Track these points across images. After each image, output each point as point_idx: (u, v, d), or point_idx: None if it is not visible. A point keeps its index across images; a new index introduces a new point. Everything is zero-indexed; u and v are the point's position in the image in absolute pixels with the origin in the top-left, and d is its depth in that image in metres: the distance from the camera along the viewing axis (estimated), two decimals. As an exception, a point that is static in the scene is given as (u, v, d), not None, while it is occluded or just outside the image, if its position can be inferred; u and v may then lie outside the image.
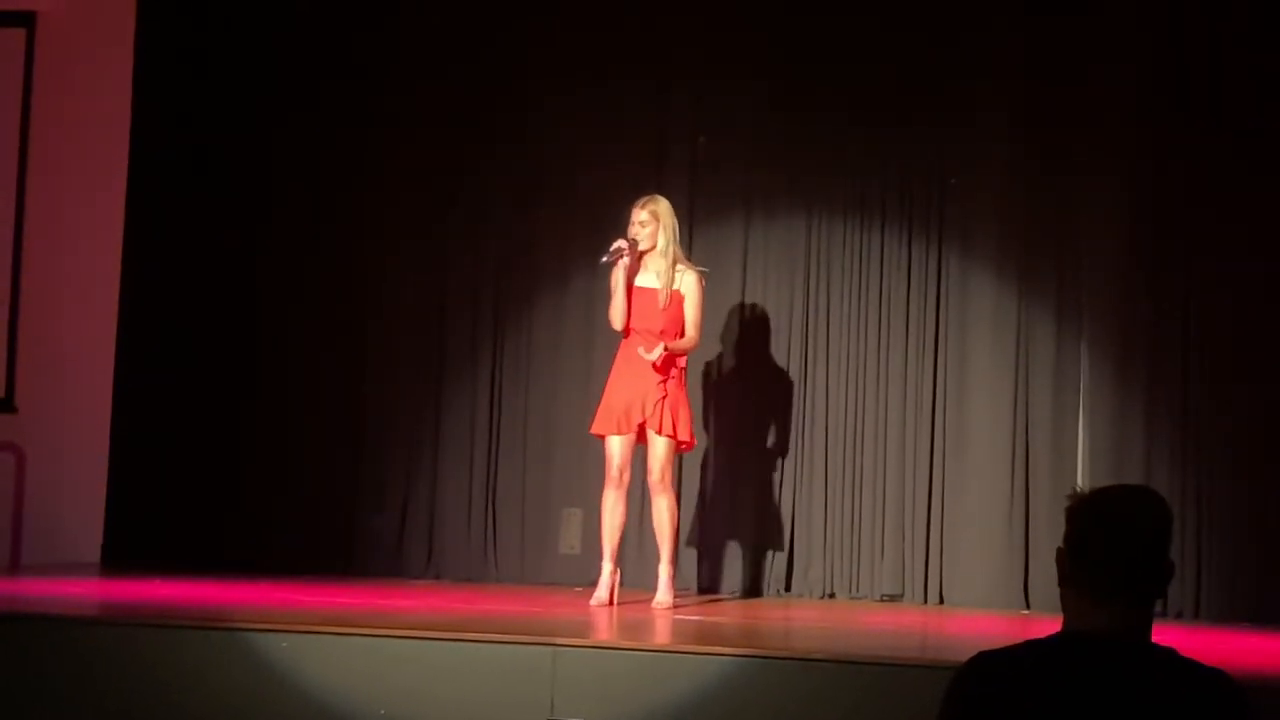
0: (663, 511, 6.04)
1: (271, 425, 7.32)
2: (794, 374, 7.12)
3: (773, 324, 7.14)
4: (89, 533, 7.21)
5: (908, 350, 7.01)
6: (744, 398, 7.13)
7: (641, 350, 5.92)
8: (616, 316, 6.06)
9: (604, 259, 5.99)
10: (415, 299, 7.37)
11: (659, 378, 5.97)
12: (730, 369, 7.14)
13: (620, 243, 6.01)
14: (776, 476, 7.06)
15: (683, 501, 6.87)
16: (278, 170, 7.44)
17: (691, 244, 7.16)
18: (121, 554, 7.18)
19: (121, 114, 7.35)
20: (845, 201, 7.10)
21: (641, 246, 6.04)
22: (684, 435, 5.99)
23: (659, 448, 6.02)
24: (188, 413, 7.34)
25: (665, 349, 5.90)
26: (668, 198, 6.83)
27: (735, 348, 7.19)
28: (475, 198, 7.35)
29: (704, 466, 7.10)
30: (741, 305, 7.18)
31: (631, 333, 6.02)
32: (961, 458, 6.90)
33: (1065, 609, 2.43)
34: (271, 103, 7.47)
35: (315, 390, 7.34)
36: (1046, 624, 2.46)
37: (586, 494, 6.76)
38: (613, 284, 6.07)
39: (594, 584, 6.16)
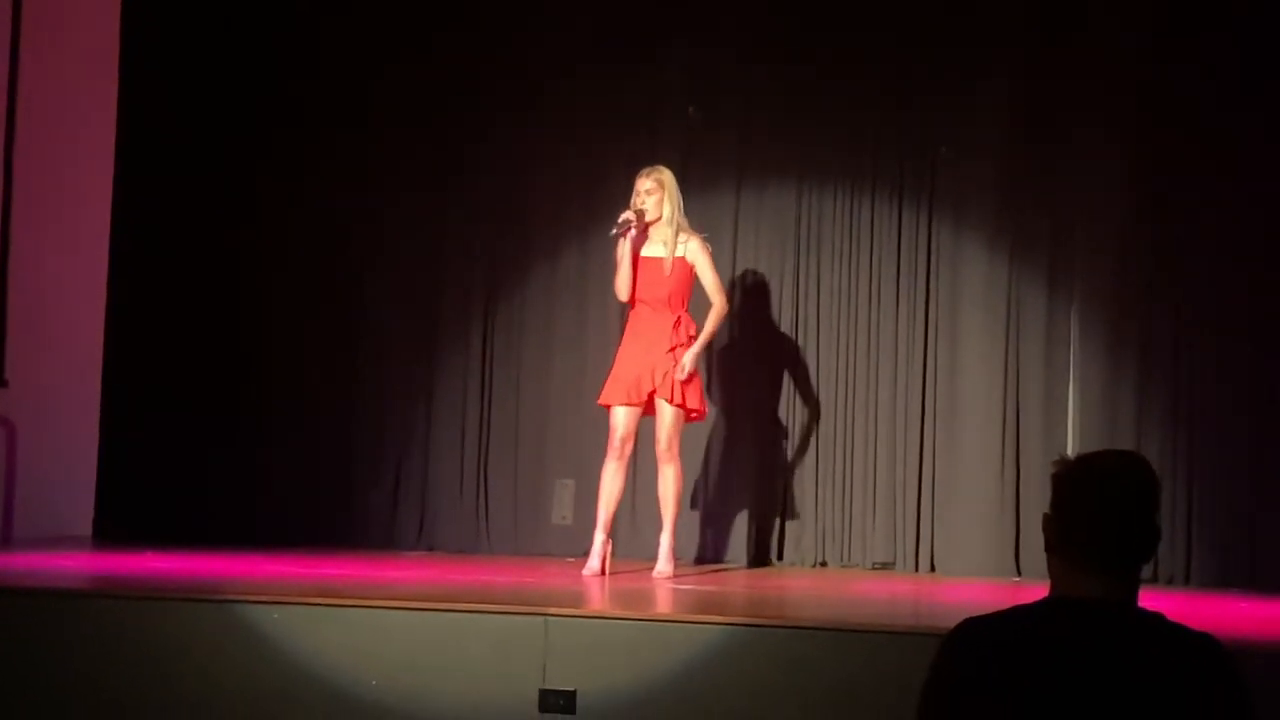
0: (669, 480, 6.04)
1: (263, 398, 7.34)
2: (786, 344, 7.14)
3: (766, 298, 7.16)
4: (80, 506, 7.24)
5: (899, 319, 7.03)
6: (738, 368, 7.15)
7: (679, 376, 5.95)
8: (622, 288, 6.08)
9: (612, 232, 5.99)
10: (407, 272, 7.37)
11: (668, 346, 5.98)
12: (724, 339, 7.12)
13: (628, 215, 6.00)
14: (769, 446, 7.10)
15: (689, 472, 6.88)
16: (268, 145, 7.43)
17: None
18: (113, 527, 7.19)
19: (109, 88, 7.35)
20: (837, 171, 7.10)
21: (649, 217, 6.04)
22: (694, 404, 6.01)
23: (668, 416, 6.02)
24: (179, 387, 7.35)
25: (685, 367, 5.97)
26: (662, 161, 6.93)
27: (727, 324, 7.15)
28: (466, 172, 7.35)
29: (699, 437, 7.10)
30: (734, 275, 7.18)
31: (638, 303, 6.05)
32: (953, 426, 6.92)
33: (1052, 575, 2.43)
34: (260, 76, 7.46)
35: (306, 364, 7.36)
36: (1037, 591, 2.44)
37: (579, 465, 6.82)
38: (618, 256, 6.08)
39: (586, 554, 6.18)
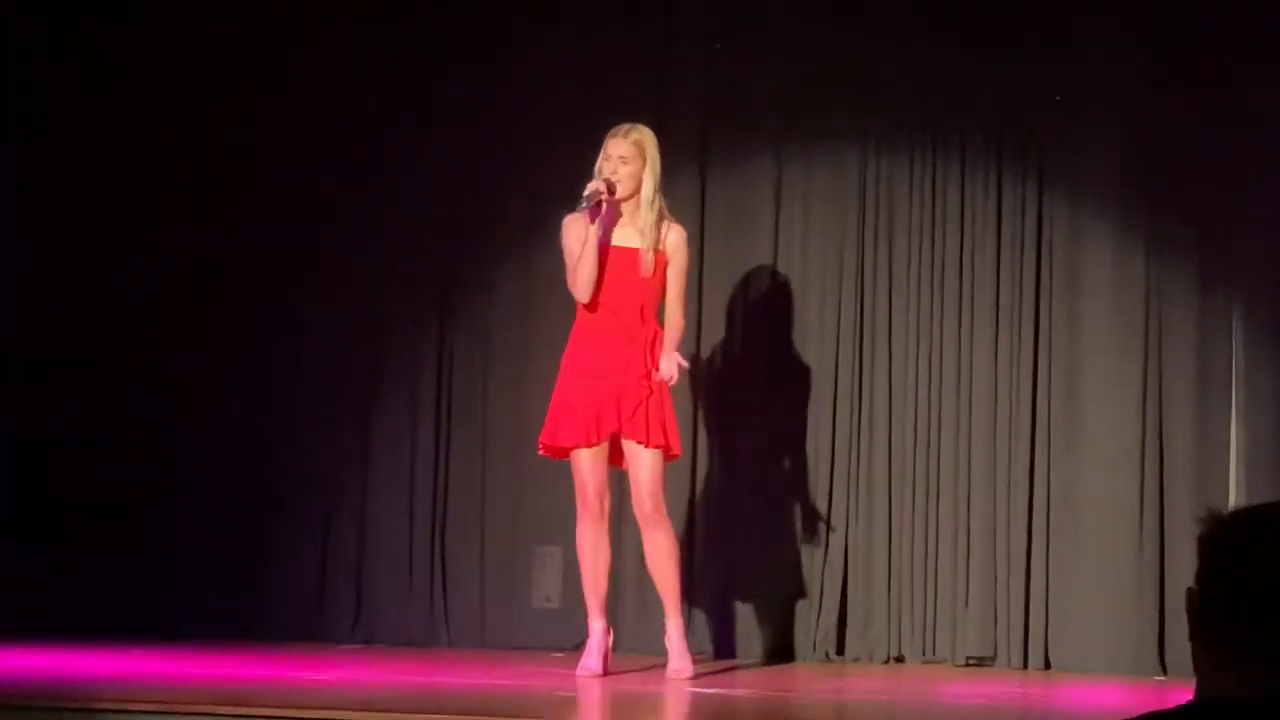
0: (662, 549, 6.08)
1: (157, 458, 7.45)
2: (843, 365, 7.17)
3: (814, 297, 7.21)
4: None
5: (998, 330, 7.08)
6: (772, 396, 7.20)
7: (660, 374, 5.96)
8: (583, 284, 6.06)
9: (581, 207, 6.02)
10: (338, 271, 7.47)
11: (641, 369, 6.01)
12: (752, 358, 7.20)
13: (598, 184, 6.02)
14: (820, 502, 7.13)
15: (695, 534, 7.02)
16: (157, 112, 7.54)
17: (704, 190, 7.32)
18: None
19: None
20: (913, 134, 7.15)
21: (621, 193, 6.08)
22: (674, 439, 6.08)
23: (649, 465, 6.03)
24: (58, 447, 7.43)
25: (680, 364, 6.00)
26: (674, 127, 7.04)
27: (760, 329, 7.29)
28: (412, 131, 7.41)
29: (719, 489, 7.20)
30: (772, 271, 7.26)
31: (600, 307, 6.07)
32: (1072, 473, 6.97)
33: (1198, 670, 2.43)
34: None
35: (204, 411, 7.43)
36: (1186, 693, 2.45)
37: (568, 527, 6.70)
38: (572, 241, 6.08)
39: (579, 648, 6.25)
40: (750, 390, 7.28)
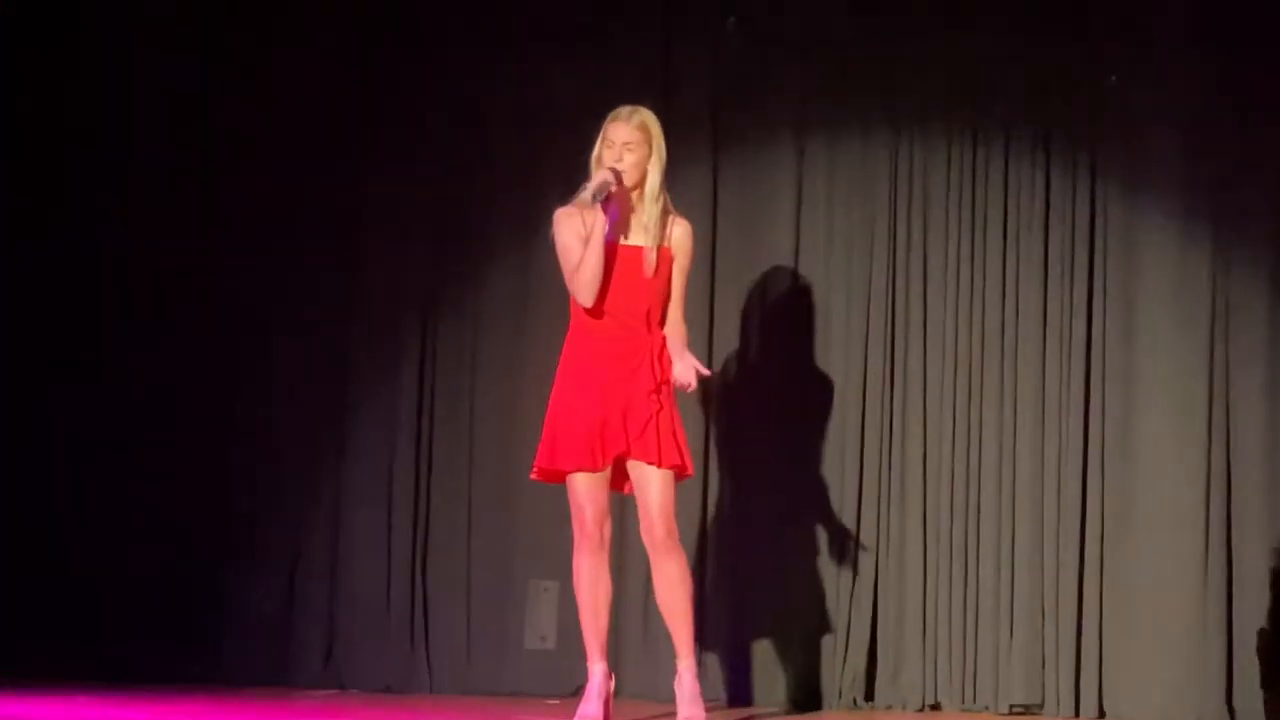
0: (674, 582, 6.03)
1: (105, 478, 7.45)
2: (872, 376, 7.16)
3: (840, 301, 7.19)
4: None
5: (1045, 339, 7.06)
6: (792, 411, 7.20)
7: (679, 381, 5.96)
8: (586, 285, 5.99)
9: (589, 197, 5.92)
10: (302, 278, 7.47)
11: (650, 383, 5.98)
12: (770, 368, 7.17)
13: (606, 175, 5.96)
14: (847, 528, 7.11)
15: (706, 565, 7.02)
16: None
17: (716, 182, 7.28)
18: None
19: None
20: (950, 119, 7.12)
21: (625, 183, 6.02)
22: (688, 460, 6.06)
23: (661, 487, 5.99)
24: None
25: (698, 369, 6.00)
26: (681, 110, 7.04)
27: (779, 336, 7.26)
28: (395, 119, 7.43)
29: (732, 513, 7.18)
30: (793, 272, 7.23)
31: (601, 312, 6.04)
32: (1129, 499, 6.95)
33: None
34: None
35: (159, 426, 7.43)
36: None
37: (565, 559, 6.50)
38: (569, 237, 6.02)
39: (578, 693, 6.17)
40: (767, 404, 7.23)
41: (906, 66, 7.17)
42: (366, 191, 7.47)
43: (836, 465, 7.16)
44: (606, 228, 5.95)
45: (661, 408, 5.97)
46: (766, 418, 7.22)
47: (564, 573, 6.64)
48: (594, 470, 5.96)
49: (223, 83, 7.53)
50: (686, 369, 5.96)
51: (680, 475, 6.04)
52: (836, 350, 7.19)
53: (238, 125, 7.50)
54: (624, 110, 6.05)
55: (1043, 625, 6.96)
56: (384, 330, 7.45)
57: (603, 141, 6.02)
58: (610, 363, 5.99)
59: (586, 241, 5.95)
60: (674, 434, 5.99)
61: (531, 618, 7.22)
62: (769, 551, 7.15)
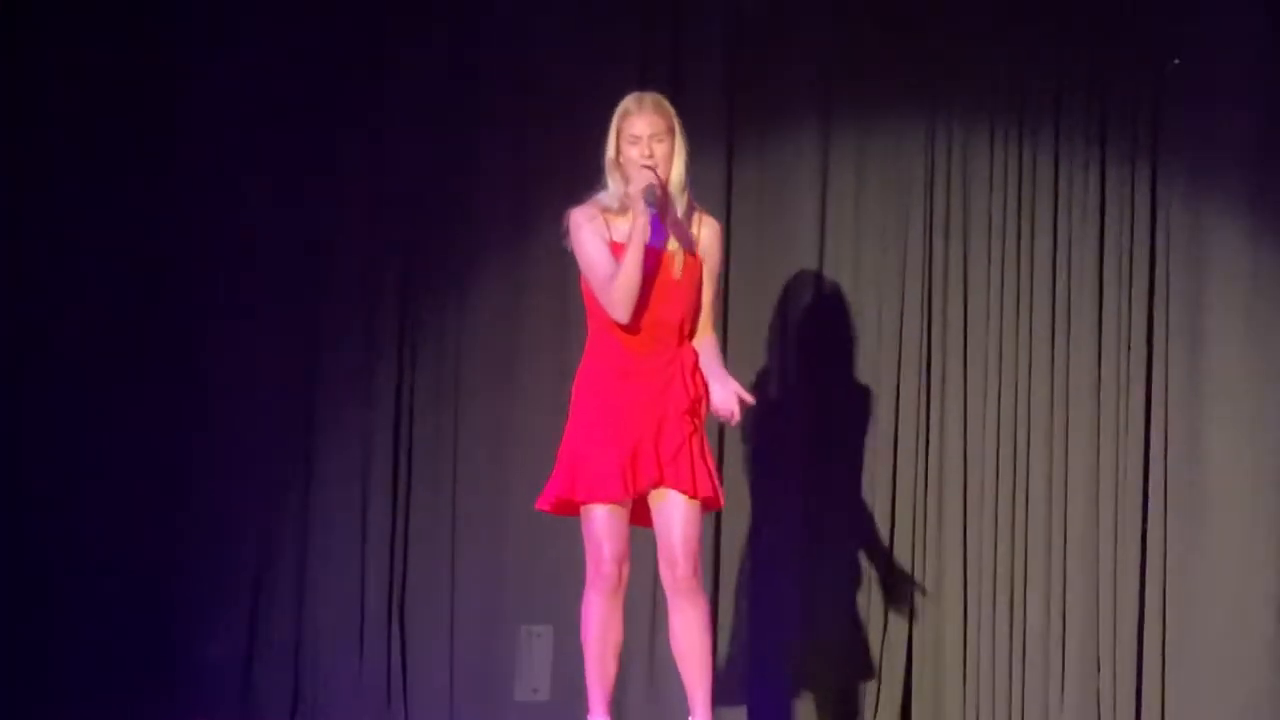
0: (694, 626, 5.83)
1: (51, 497, 7.30)
2: (906, 390, 7.13)
3: (870, 307, 7.16)
4: None
5: (1101, 350, 7.02)
6: (818, 429, 7.16)
7: (717, 412, 5.75)
8: (623, 299, 5.74)
9: (648, 205, 5.66)
10: (270, 273, 7.34)
11: (684, 403, 5.78)
12: (793, 382, 7.11)
13: (650, 177, 5.74)
14: (879, 561, 7.09)
15: (720, 602, 6.94)
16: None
17: (731, 175, 7.16)
18: None
19: None
20: (995, 105, 7.08)
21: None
22: (719, 492, 5.91)
23: (688, 519, 5.80)
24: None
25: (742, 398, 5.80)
26: (692, 96, 6.95)
27: (803, 345, 7.19)
28: (369, 116, 7.34)
29: (751, 545, 7.12)
30: (816, 275, 7.17)
31: (631, 326, 5.82)
32: (1195, 532, 6.91)
33: None
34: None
35: (112, 444, 7.29)
36: None
37: (560, 601, 6.74)
38: (595, 245, 5.78)
39: (574, 751, 5.95)
40: (791, 421, 7.17)
41: (946, 41, 7.10)
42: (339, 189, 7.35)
43: (866, 490, 7.13)
44: (640, 236, 5.68)
45: (694, 430, 5.76)
46: (787, 438, 7.17)
47: (558, 616, 6.84)
48: (620, 501, 5.70)
49: (194, 79, 7.40)
50: (729, 396, 5.69)
51: (708, 507, 5.82)
52: (866, 361, 7.15)
53: (213, 128, 7.35)
54: (645, 98, 5.84)
55: (1098, 672, 6.93)
56: (357, 341, 7.34)
57: (620, 136, 5.76)
58: (639, 380, 5.76)
59: (609, 245, 5.72)
60: (705, 459, 5.76)
61: (522, 667, 7.16)
62: (792, 586, 7.12)
